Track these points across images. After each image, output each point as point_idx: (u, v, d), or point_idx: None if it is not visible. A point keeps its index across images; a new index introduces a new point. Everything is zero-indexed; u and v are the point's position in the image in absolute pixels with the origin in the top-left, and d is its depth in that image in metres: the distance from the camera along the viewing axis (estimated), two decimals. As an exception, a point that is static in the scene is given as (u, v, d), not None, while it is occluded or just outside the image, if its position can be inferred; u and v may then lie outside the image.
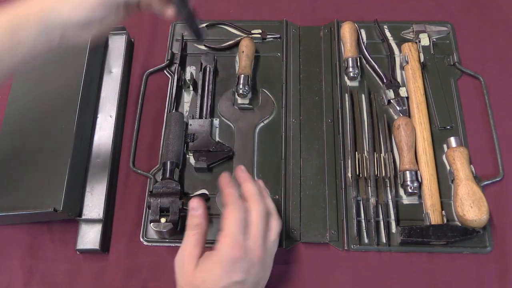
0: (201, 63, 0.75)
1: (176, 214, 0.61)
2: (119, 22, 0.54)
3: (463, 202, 0.61)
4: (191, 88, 0.74)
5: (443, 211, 0.63)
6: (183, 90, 0.75)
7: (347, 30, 0.76)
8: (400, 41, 0.77)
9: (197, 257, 0.51)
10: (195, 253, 0.51)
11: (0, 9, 0.50)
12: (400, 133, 0.67)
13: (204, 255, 0.51)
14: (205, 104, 0.72)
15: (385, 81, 0.73)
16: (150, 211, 0.62)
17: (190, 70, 0.76)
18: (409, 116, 0.70)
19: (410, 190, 0.64)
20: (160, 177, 0.66)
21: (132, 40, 0.81)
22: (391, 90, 0.71)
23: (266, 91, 0.74)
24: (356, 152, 0.68)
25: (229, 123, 0.72)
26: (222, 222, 0.51)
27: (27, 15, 0.49)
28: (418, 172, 0.65)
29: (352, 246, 0.63)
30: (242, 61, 0.74)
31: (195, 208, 0.54)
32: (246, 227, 0.51)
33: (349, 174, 0.67)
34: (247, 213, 0.52)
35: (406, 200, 0.65)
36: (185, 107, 0.73)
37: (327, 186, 0.66)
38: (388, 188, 0.66)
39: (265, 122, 0.72)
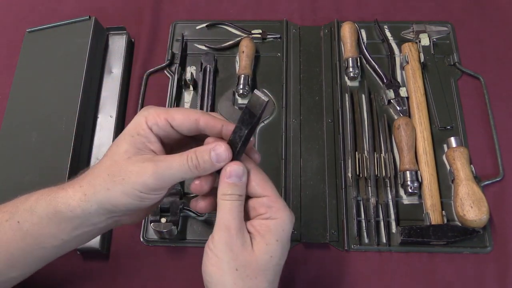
0: (201, 63, 0.75)
1: (176, 214, 0.61)
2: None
3: (463, 202, 0.61)
4: (191, 88, 0.74)
5: (443, 211, 0.63)
6: (183, 90, 0.75)
7: (347, 30, 0.76)
8: (400, 41, 0.77)
9: (248, 234, 0.43)
10: (244, 228, 0.43)
11: (39, 194, 0.45)
12: (400, 133, 0.67)
13: (253, 231, 0.43)
14: (205, 104, 0.72)
15: (385, 81, 0.73)
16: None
17: (190, 70, 0.76)
18: (409, 116, 0.70)
19: (410, 190, 0.64)
20: (160, 177, 0.66)
21: (132, 40, 0.81)
22: (391, 90, 0.71)
23: (266, 91, 0.74)
24: (356, 152, 0.68)
25: (229, 123, 0.72)
26: (262, 186, 0.43)
27: (68, 207, 0.43)
28: (418, 172, 0.65)
29: (352, 246, 0.63)
30: (242, 61, 0.74)
31: (240, 175, 0.43)
32: None
33: (349, 174, 0.67)
34: None
35: (406, 200, 0.65)
36: (185, 107, 0.73)
37: (327, 186, 0.66)
38: (388, 188, 0.66)
39: (265, 122, 0.72)
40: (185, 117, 0.43)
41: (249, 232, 0.43)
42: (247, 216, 0.45)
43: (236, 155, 0.43)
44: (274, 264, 0.42)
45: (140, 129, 0.43)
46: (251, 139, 0.43)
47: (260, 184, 0.44)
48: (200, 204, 0.46)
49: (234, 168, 0.42)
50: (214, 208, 0.45)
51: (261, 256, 0.42)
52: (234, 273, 0.41)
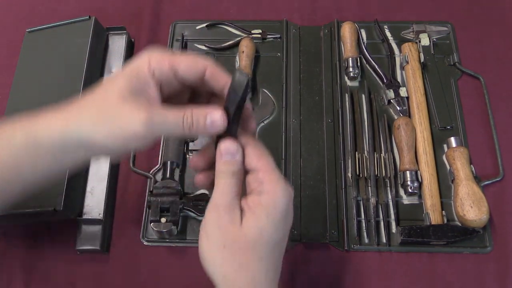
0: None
1: (176, 214, 0.61)
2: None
3: (463, 202, 0.61)
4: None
5: (443, 211, 0.63)
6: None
7: (347, 30, 0.76)
8: (400, 41, 0.77)
9: (239, 210, 0.41)
10: (237, 206, 0.41)
11: (17, 123, 0.44)
12: (400, 133, 0.67)
13: (246, 207, 0.41)
14: (205, 104, 0.72)
15: (385, 81, 0.73)
16: (150, 211, 0.62)
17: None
18: (409, 116, 0.70)
19: (410, 190, 0.64)
20: (160, 177, 0.66)
21: (132, 40, 0.80)
22: (391, 90, 0.71)
23: (266, 91, 0.74)
24: (356, 152, 0.68)
25: (229, 123, 0.72)
26: (259, 157, 0.42)
27: (49, 135, 0.42)
28: (418, 172, 0.65)
29: (352, 246, 0.63)
30: (242, 61, 0.74)
31: (233, 153, 0.42)
32: None
33: (349, 174, 0.67)
34: None
35: (406, 200, 0.65)
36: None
37: (327, 186, 0.66)
38: (388, 188, 0.66)
39: (265, 122, 0.72)
40: (192, 64, 0.41)
41: (242, 209, 0.41)
42: (244, 192, 0.43)
43: (231, 126, 0.41)
44: (265, 241, 0.40)
45: (140, 71, 0.41)
46: (248, 106, 0.43)
47: (255, 157, 0.42)
48: (199, 177, 0.45)
49: (227, 146, 0.41)
50: (212, 185, 0.44)
51: (249, 232, 0.40)
52: (223, 250, 0.40)
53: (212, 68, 0.41)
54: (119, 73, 0.41)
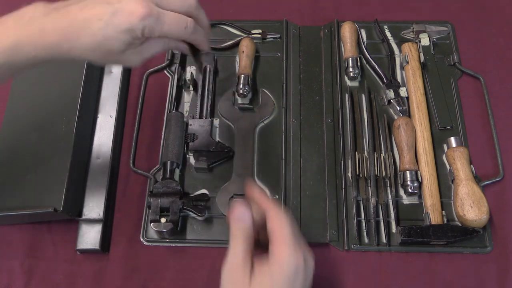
0: (201, 63, 0.75)
1: (176, 214, 0.61)
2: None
3: (463, 202, 0.61)
4: (191, 88, 0.74)
5: (443, 211, 0.63)
6: (183, 90, 0.75)
7: (347, 30, 0.76)
8: (400, 41, 0.77)
9: (250, 270, 0.45)
10: (247, 265, 0.45)
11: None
12: (400, 133, 0.67)
13: (257, 267, 0.46)
14: (205, 104, 0.72)
15: (385, 81, 0.73)
16: (150, 211, 0.62)
17: (190, 70, 0.76)
18: (409, 116, 0.70)
19: (410, 190, 0.64)
20: (160, 177, 0.66)
21: (132, 40, 0.80)
22: (391, 90, 0.71)
23: (266, 91, 0.74)
24: (356, 152, 0.68)
25: (229, 123, 0.72)
26: (272, 231, 0.46)
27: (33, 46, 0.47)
28: (418, 172, 0.65)
29: (352, 246, 0.63)
30: (242, 61, 0.74)
31: (243, 219, 0.47)
32: (296, 231, 0.47)
33: (349, 174, 0.67)
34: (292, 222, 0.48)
35: (406, 200, 0.65)
36: (185, 107, 0.73)
37: (327, 186, 0.66)
38: (388, 188, 0.66)
39: (265, 122, 0.72)
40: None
41: (254, 266, 0.45)
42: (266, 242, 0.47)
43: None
44: None
45: None
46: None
47: (275, 222, 0.46)
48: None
49: (238, 213, 0.47)
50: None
51: None
52: None
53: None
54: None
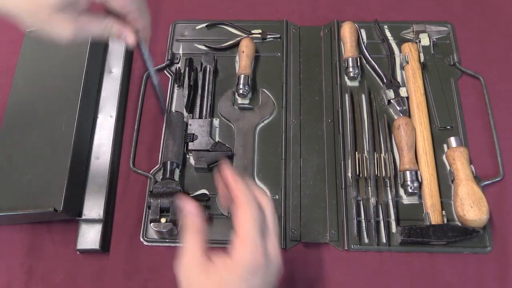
0: (201, 63, 0.75)
1: (176, 214, 0.61)
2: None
3: (463, 202, 0.61)
4: (186, 85, 0.73)
5: (443, 211, 0.63)
6: (183, 90, 0.74)
7: (347, 30, 0.76)
8: (400, 41, 0.77)
9: (206, 264, 0.44)
10: (202, 259, 0.44)
11: None
12: (400, 133, 0.67)
13: (216, 262, 0.44)
14: (205, 104, 0.72)
15: (385, 81, 0.73)
16: (150, 211, 0.62)
17: (189, 70, 0.76)
18: (409, 116, 0.70)
19: (410, 190, 0.64)
20: (160, 177, 0.66)
21: (132, 40, 0.80)
22: (391, 90, 0.71)
23: (266, 91, 0.74)
24: (356, 152, 0.68)
25: (229, 123, 0.72)
26: (236, 224, 0.44)
27: None
28: (418, 172, 0.65)
29: (352, 246, 0.63)
30: (242, 61, 0.74)
31: (193, 213, 0.47)
32: (263, 227, 0.45)
33: (349, 174, 0.67)
34: (262, 211, 0.46)
35: (406, 200, 0.65)
36: (185, 107, 0.73)
37: (327, 186, 0.66)
38: (388, 188, 0.66)
39: (265, 122, 0.72)
40: None
41: (211, 260, 0.44)
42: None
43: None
44: None
45: None
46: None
47: (236, 220, 0.44)
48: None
49: (189, 208, 0.46)
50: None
51: (213, 284, 0.43)
52: None
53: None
54: None
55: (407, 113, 0.70)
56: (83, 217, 0.64)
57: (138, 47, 0.53)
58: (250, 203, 0.45)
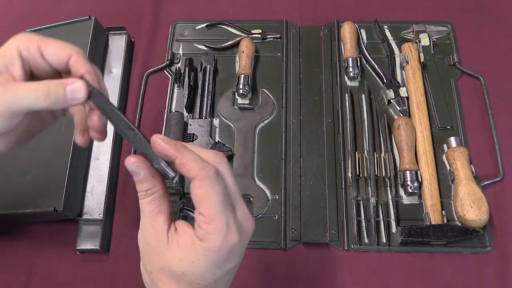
0: (201, 63, 0.75)
1: (176, 214, 0.61)
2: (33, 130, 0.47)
3: (463, 202, 0.61)
4: (186, 85, 0.74)
5: (443, 211, 0.63)
6: (183, 90, 0.74)
7: (347, 30, 0.76)
8: (400, 41, 0.77)
9: (165, 229, 0.38)
10: (159, 224, 0.38)
11: None
12: (400, 133, 0.67)
13: (181, 234, 0.38)
14: (205, 104, 0.72)
15: (385, 81, 0.73)
16: (150, 211, 0.62)
17: (189, 70, 0.76)
18: (409, 116, 0.70)
19: (410, 190, 0.64)
20: (160, 177, 0.66)
21: (132, 40, 0.81)
22: (391, 90, 0.71)
23: (266, 91, 0.74)
24: (356, 152, 0.68)
25: (229, 123, 0.72)
26: (198, 201, 0.37)
27: None
28: (418, 172, 0.65)
29: (352, 246, 0.63)
30: (242, 61, 0.74)
31: (136, 172, 0.39)
32: (228, 195, 0.38)
33: (349, 174, 0.67)
34: (220, 174, 0.38)
35: (406, 200, 0.65)
36: (185, 107, 0.73)
37: (327, 186, 0.66)
38: (388, 188, 0.66)
39: (265, 122, 0.72)
40: (59, 49, 0.42)
41: (176, 232, 0.38)
42: None
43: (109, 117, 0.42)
44: (188, 281, 0.38)
45: (7, 51, 0.42)
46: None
47: (197, 200, 0.37)
48: (78, 138, 0.47)
49: (127, 164, 0.39)
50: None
51: (173, 267, 0.38)
52: (148, 274, 0.40)
53: (76, 56, 0.42)
54: None
55: (407, 113, 0.70)
56: (83, 217, 0.64)
57: (98, 102, 0.42)
58: (207, 173, 0.37)
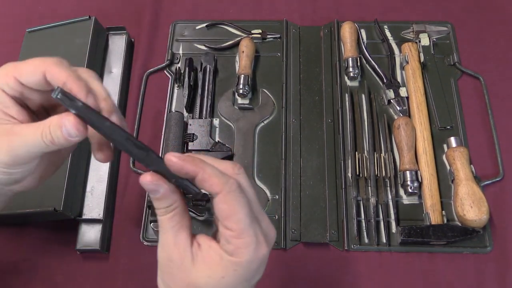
0: (201, 63, 0.75)
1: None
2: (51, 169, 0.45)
3: (463, 202, 0.61)
4: (186, 85, 0.74)
5: (443, 211, 0.63)
6: (183, 90, 0.74)
7: (347, 30, 0.76)
8: (400, 41, 0.77)
9: (189, 245, 0.37)
10: (182, 241, 0.37)
11: None
12: (400, 133, 0.67)
13: (205, 250, 0.37)
14: (205, 104, 0.72)
15: (385, 81, 0.73)
16: (150, 211, 0.62)
17: (189, 70, 0.76)
18: (409, 116, 0.70)
19: (410, 190, 0.64)
20: (160, 177, 0.66)
21: (132, 40, 0.81)
22: (391, 90, 0.71)
23: (266, 91, 0.74)
24: (356, 152, 0.68)
25: (229, 123, 0.72)
26: (223, 216, 0.36)
27: None
28: (418, 172, 0.65)
29: (352, 246, 0.63)
30: (242, 61, 0.74)
31: (155, 190, 0.37)
32: (251, 207, 0.37)
33: (349, 174, 0.67)
34: (241, 186, 0.37)
35: (406, 200, 0.65)
36: (185, 107, 0.73)
37: (327, 186, 0.66)
38: (388, 188, 0.66)
39: (265, 122, 0.72)
40: (31, 69, 0.38)
41: (199, 247, 0.37)
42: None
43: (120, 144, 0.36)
44: None
45: None
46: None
47: (223, 215, 0.36)
48: (98, 155, 0.42)
49: (144, 183, 0.36)
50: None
51: (201, 284, 0.37)
52: None
53: (49, 67, 0.37)
54: None
55: (407, 113, 0.70)
56: (83, 217, 0.64)
57: (92, 122, 0.36)
58: (231, 187, 0.36)
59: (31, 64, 0.38)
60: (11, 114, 0.38)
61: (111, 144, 0.41)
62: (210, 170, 0.36)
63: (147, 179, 0.36)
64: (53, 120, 0.37)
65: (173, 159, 0.36)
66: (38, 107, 0.41)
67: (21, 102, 0.39)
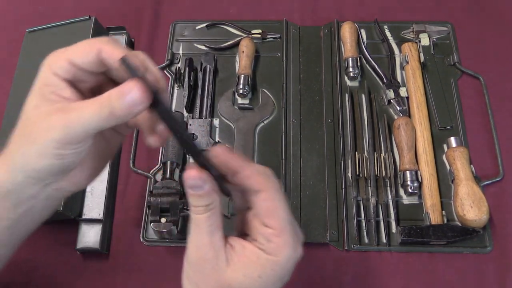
0: (201, 63, 0.75)
1: (176, 214, 0.61)
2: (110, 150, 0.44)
3: (463, 202, 0.61)
4: (186, 85, 0.74)
5: (443, 211, 0.63)
6: (183, 90, 0.74)
7: (347, 30, 0.76)
8: (400, 41, 0.77)
9: (223, 246, 0.37)
10: (217, 241, 0.37)
11: None
12: (400, 133, 0.67)
13: (239, 250, 0.38)
14: (205, 104, 0.72)
15: (385, 81, 0.73)
16: (150, 211, 0.62)
17: (189, 70, 0.76)
18: (409, 116, 0.70)
19: (410, 190, 0.64)
20: (160, 177, 0.66)
21: (132, 40, 0.81)
22: (391, 90, 0.71)
23: (266, 91, 0.74)
24: (356, 152, 0.68)
25: (229, 123, 0.72)
26: (265, 214, 0.37)
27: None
28: (418, 172, 0.65)
29: (352, 246, 0.63)
30: (242, 61, 0.74)
31: (199, 185, 0.36)
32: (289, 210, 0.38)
33: (349, 174, 0.67)
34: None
35: (406, 200, 0.65)
36: (185, 107, 0.73)
37: (327, 186, 0.66)
38: (388, 188, 0.66)
39: (265, 122, 0.72)
40: (85, 50, 0.37)
41: (232, 248, 0.38)
42: (243, 226, 0.40)
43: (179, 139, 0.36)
44: None
45: (45, 79, 0.38)
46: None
47: (266, 212, 0.37)
48: (151, 139, 0.40)
49: (189, 178, 0.36)
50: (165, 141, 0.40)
51: (235, 284, 0.37)
52: None
53: (104, 46, 0.36)
54: (30, 92, 0.38)
55: (407, 113, 0.70)
56: (83, 217, 0.64)
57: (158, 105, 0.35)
58: (274, 185, 0.37)
59: (85, 44, 0.37)
60: (65, 96, 0.37)
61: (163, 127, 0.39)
62: (252, 167, 0.37)
63: (193, 173, 0.36)
64: (112, 92, 0.35)
65: (220, 151, 0.37)
66: (88, 91, 0.40)
67: (73, 85, 0.39)
